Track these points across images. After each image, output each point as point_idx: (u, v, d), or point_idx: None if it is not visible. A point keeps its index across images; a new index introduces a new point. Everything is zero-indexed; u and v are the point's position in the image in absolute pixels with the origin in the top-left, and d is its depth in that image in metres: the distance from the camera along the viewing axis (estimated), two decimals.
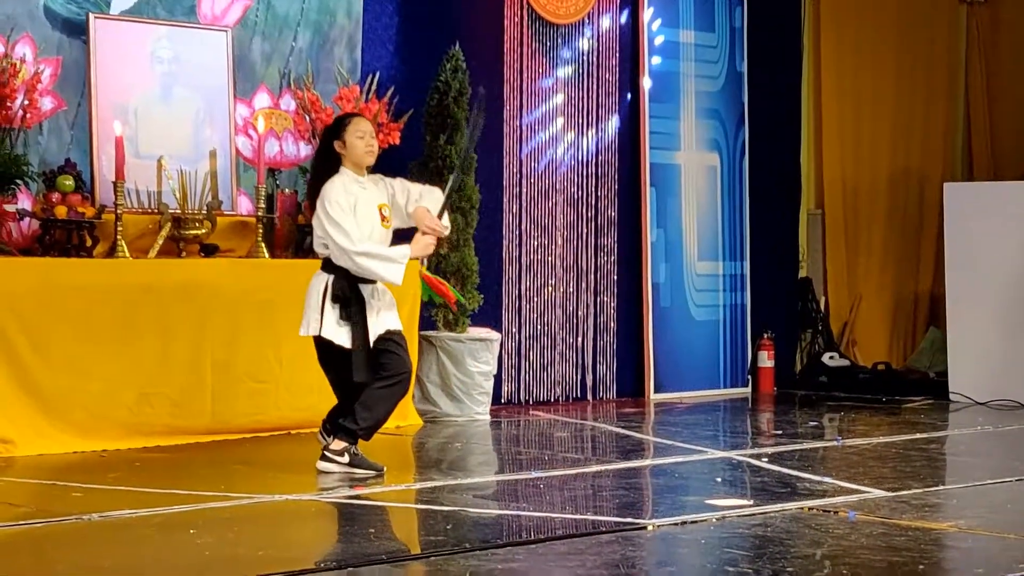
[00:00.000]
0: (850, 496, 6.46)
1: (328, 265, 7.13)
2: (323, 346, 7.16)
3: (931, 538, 5.51)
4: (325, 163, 7.28)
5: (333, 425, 7.24)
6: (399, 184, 7.41)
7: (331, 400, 7.25)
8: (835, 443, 8.62)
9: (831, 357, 12.35)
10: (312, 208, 7.21)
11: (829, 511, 6.06)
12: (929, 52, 13.25)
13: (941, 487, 6.98)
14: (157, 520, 6.01)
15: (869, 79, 12.93)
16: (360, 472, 7.09)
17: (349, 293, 7.07)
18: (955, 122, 13.58)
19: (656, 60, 11.45)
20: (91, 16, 8.67)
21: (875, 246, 13.02)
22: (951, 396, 11.02)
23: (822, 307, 12.72)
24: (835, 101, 12.86)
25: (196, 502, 6.35)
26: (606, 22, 11.16)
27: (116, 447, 7.80)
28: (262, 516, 6.29)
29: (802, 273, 12.70)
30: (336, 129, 7.30)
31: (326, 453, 7.18)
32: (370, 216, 7.18)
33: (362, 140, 7.21)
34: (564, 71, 10.95)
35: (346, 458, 7.12)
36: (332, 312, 7.07)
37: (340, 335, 7.07)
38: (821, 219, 12.88)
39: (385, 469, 7.20)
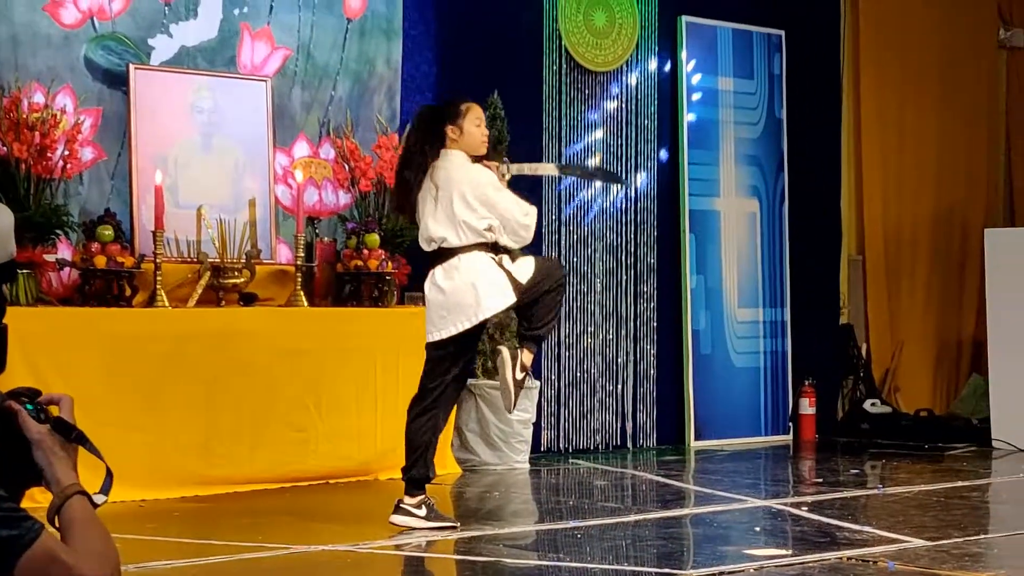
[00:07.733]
0: (890, 545, 6.42)
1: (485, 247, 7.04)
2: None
3: None
4: (432, 145, 7.09)
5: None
6: None
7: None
8: (876, 491, 8.56)
9: (873, 404, 12.27)
10: (405, 198, 7.13)
11: (868, 561, 6.02)
12: (971, 97, 13.19)
13: (983, 536, 6.92)
14: (195, 571, 6.02)
15: (909, 124, 12.88)
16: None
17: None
18: (996, 167, 13.52)
19: (695, 104, 11.45)
20: (131, 67, 8.71)
21: (917, 292, 12.94)
22: (994, 443, 10.94)
23: (864, 353, 12.65)
24: (876, 147, 12.80)
25: (234, 552, 6.36)
26: (644, 70, 11.16)
27: (155, 497, 7.80)
28: (300, 567, 6.29)
29: (843, 319, 12.63)
30: (451, 114, 7.11)
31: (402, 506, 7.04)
32: None
33: (479, 128, 7.11)
34: (603, 119, 10.95)
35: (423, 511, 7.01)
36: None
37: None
38: (862, 265, 12.81)
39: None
